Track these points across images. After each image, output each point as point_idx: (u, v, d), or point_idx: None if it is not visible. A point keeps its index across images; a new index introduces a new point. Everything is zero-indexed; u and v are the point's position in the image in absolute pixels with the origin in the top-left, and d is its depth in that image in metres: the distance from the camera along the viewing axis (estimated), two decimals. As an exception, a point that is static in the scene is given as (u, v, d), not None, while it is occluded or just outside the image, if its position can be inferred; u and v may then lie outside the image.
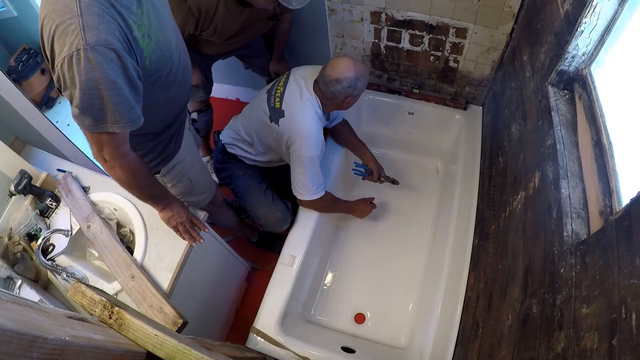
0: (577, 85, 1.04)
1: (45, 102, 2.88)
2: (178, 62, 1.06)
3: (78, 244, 1.34)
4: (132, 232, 1.36)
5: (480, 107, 1.98)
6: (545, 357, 0.75)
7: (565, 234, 0.81)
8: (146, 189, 1.13)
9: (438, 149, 2.15)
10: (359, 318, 1.83)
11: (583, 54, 1.00)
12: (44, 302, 1.18)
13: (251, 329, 1.50)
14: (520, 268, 1.01)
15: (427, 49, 1.78)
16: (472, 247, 1.53)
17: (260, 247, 2.13)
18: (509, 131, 1.40)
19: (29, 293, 1.21)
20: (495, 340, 1.03)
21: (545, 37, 1.17)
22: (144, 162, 1.09)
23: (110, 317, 0.70)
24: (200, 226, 1.31)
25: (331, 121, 1.81)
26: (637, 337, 0.52)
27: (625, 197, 0.75)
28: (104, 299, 0.73)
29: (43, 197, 1.35)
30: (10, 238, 1.32)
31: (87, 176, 1.43)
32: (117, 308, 0.71)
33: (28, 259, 1.31)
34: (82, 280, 1.21)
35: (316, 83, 1.49)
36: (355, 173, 1.97)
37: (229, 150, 1.73)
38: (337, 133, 1.94)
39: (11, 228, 1.33)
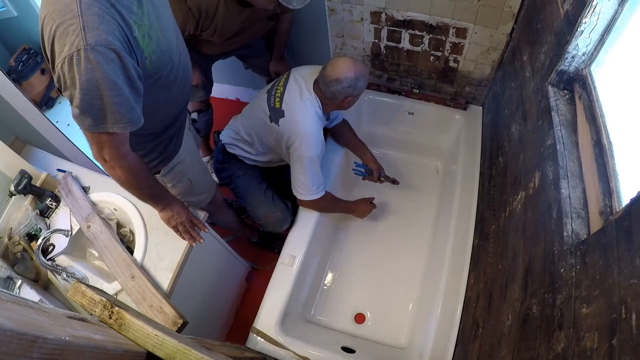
0: (577, 85, 1.04)
1: (45, 102, 2.88)
2: (178, 63, 1.06)
3: (78, 244, 1.34)
4: (132, 232, 1.36)
5: (480, 107, 1.98)
6: (545, 357, 0.75)
7: (565, 234, 0.81)
8: (146, 189, 1.14)
9: (438, 149, 2.15)
10: (359, 318, 1.83)
11: (583, 54, 1.00)
12: (44, 302, 1.18)
13: (251, 329, 1.50)
14: (520, 268, 1.01)
15: (427, 49, 1.78)
16: (472, 247, 1.53)
17: (260, 247, 2.13)
18: (509, 131, 1.40)
19: (29, 293, 1.21)
20: (495, 340, 1.03)
21: (545, 37, 1.17)
22: (144, 162, 1.09)
23: (110, 317, 0.70)
24: (200, 226, 1.31)
25: (331, 121, 1.81)
26: (637, 337, 0.52)
27: (625, 197, 0.75)
28: (104, 299, 0.73)
29: (43, 197, 1.35)
30: (10, 238, 1.32)
31: (87, 176, 1.43)
32: (117, 308, 0.71)
33: (28, 259, 1.31)
34: (82, 280, 1.21)
35: (316, 83, 1.49)
36: (355, 173, 1.97)
37: (229, 150, 1.73)
38: (337, 133, 1.94)
39: (11, 228, 1.33)
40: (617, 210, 0.75)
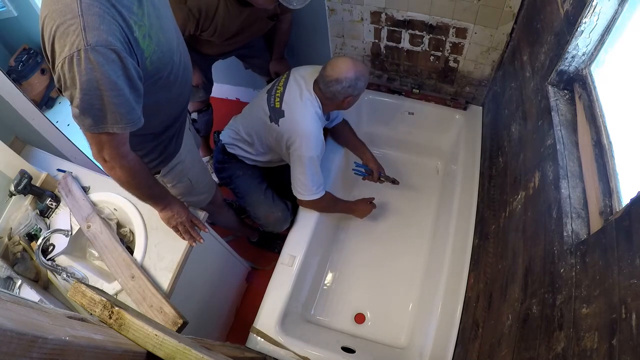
0: (577, 85, 1.04)
1: (45, 102, 2.88)
2: (179, 63, 1.06)
3: (78, 244, 1.34)
4: (132, 232, 1.36)
5: (480, 107, 1.98)
6: (545, 357, 0.75)
7: (565, 234, 0.81)
8: (146, 189, 1.14)
9: (438, 149, 2.15)
10: (359, 318, 1.83)
11: (583, 54, 1.00)
12: (44, 302, 1.18)
13: (251, 329, 1.50)
14: (520, 268, 1.01)
15: (427, 49, 1.78)
16: (472, 247, 1.53)
17: (260, 247, 2.13)
18: (509, 131, 1.40)
19: (29, 293, 1.21)
20: (495, 340, 1.03)
21: (545, 37, 1.17)
22: (144, 162, 1.09)
23: (110, 317, 0.70)
24: (200, 226, 1.31)
25: (331, 121, 1.81)
26: (637, 337, 0.52)
27: (625, 197, 0.75)
28: (104, 299, 0.73)
29: (43, 197, 1.35)
30: (10, 238, 1.32)
31: (87, 176, 1.43)
32: (117, 308, 0.71)
33: (28, 259, 1.31)
34: (82, 280, 1.21)
35: (316, 83, 1.49)
36: (355, 173, 1.97)
37: (229, 150, 1.73)
38: (337, 133, 1.94)
39: (11, 228, 1.33)
40: (617, 210, 0.75)
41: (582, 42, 0.97)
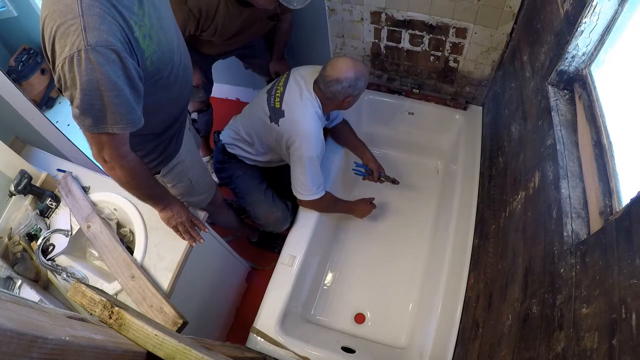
0: (577, 85, 1.04)
1: (45, 102, 2.88)
2: (179, 63, 1.06)
3: (78, 244, 1.34)
4: (132, 232, 1.36)
5: (480, 107, 1.98)
6: (545, 357, 0.75)
7: (565, 234, 0.81)
8: (146, 189, 1.14)
9: (438, 149, 2.15)
10: (359, 318, 1.83)
11: (583, 54, 1.00)
12: (44, 302, 1.18)
13: (251, 329, 1.50)
14: (520, 268, 1.01)
15: (427, 49, 1.78)
16: (472, 247, 1.53)
17: (260, 247, 2.13)
18: (509, 131, 1.40)
19: (29, 293, 1.21)
20: (495, 340, 1.03)
21: (545, 37, 1.17)
22: (144, 162, 1.09)
23: (110, 317, 0.70)
24: (200, 226, 1.31)
25: (331, 121, 1.81)
26: (637, 337, 0.52)
27: (625, 197, 0.75)
28: (104, 299, 0.73)
29: (43, 197, 1.35)
30: (10, 238, 1.32)
31: (87, 176, 1.43)
32: (117, 308, 0.71)
33: (28, 259, 1.31)
34: (82, 280, 1.21)
35: (316, 83, 1.49)
36: (355, 173, 1.97)
37: (229, 150, 1.73)
38: (337, 133, 1.94)
39: (11, 228, 1.33)
40: (617, 210, 0.75)
41: (582, 42, 0.97)
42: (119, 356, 0.61)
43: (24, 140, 1.56)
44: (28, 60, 2.73)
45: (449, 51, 1.75)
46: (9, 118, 1.49)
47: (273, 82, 1.63)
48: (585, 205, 0.83)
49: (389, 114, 2.11)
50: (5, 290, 1.19)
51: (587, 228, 0.80)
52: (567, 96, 1.05)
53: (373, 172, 1.90)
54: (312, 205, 1.68)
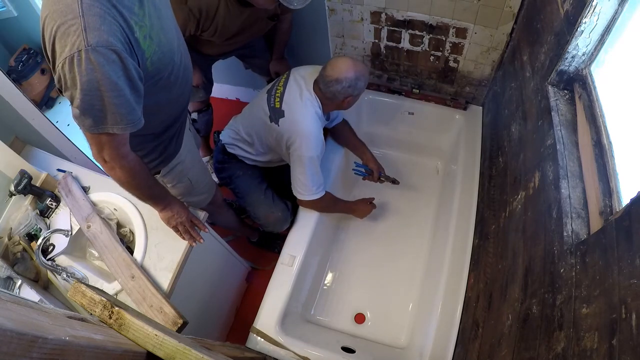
0: (577, 85, 1.04)
1: (45, 102, 2.88)
2: (179, 63, 1.06)
3: (78, 244, 1.34)
4: (132, 232, 1.36)
5: (480, 107, 1.98)
6: (545, 357, 0.75)
7: (565, 234, 0.81)
8: (146, 189, 1.14)
9: (438, 149, 2.15)
10: (359, 318, 1.83)
11: (583, 54, 1.00)
12: (44, 302, 1.18)
13: (251, 329, 1.50)
14: (520, 268, 1.01)
15: (427, 49, 1.78)
16: (472, 247, 1.53)
17: (260, 247, 2.13)
18: (509, 131, 1.40)
19: (29, 293, 1.21)
20: (495, 340, 1.03)
21: (545, 37, 1.17)
22: (144, 162, 1.09)
23: (110, 317, 0.70)
24: (200, 226, 1.31)
25: (331, 121, 1.81)
26: (637, 337, 0.52)
27: (625, 197, 0.75)
28: (104, 299, 0.73)
29: (43, 197, 1.35)
30: (10, 238, 1.32)
31: (87, 176, 1.43)
32: (117, 308, 0.71)
33: (28, 259, 1.31)
34: (82, 280, 1.21)
35: (316, 83, 1.49)
36: (355, 173, 1.97)
37: (229, 150, 1.73)
38: (337, 133, 1.94)
39: (11, 228, 1.33)
40: (617, 210, 0.75)
41: (582, 42, 0.97)
42: (119, 356, 0.61)
43: (24, 140, 1.56)
44: (28, 60, 2.73)
45: (449, 51, 1.75)
46: (9, 118, 1.49)
47: (273, 82, 1.63)
48: (585, 205, 0.83)
49: (389, 114, 2.11)
50: (5, 290, 1.19)
51: (587, 228, 0.80)
52: (567, 96, 1.05)
53: (373, 172, 1.90)
54: (312, 205, 1.68)
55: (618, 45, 0.92)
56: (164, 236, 1.29)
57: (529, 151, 1.16)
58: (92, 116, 0.85)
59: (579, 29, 0.94)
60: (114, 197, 1.35)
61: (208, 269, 1.59)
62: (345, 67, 1.42)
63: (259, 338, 1.48)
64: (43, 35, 0.83)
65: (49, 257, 1.28)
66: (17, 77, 2.68)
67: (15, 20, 2.76)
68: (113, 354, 0.60)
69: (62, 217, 1.34)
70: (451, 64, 1.80)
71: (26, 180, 1.30)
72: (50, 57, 0.84)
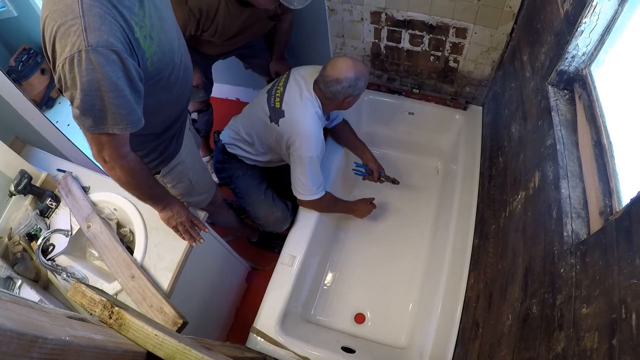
0: (577, 85, 1.04)
1: (45, 102, 2.88)
2: (180, 63, 1.06)
3: (78, 244, 1.34)
4: (132, 232, 1.36)
5: (480, 107, 1.98)
6: (545, 357, 0.75)
7: (565, 234, 0.81)
8: (146, 189, 1.14)
9: (438, 149, 2.15)
10: (359, 318, 1.83)
11: (583, 54, 1.00)
12: (44, 302, 1.18)
13: (251, 329, 1.50)
14: (520, 268, 1.01)
15: (427, 49, 1.78)
16: (472, 247, 1.53)
17: (260, 247, 2.13)
18: (509, 131, 1.40)
19: (29, 293, 1.21)
20: (495, 340, 1.03)
21: (545, 37, 1.17)
22: (144, 162, 1.09)
23: (110, 317, 0.70)
24: (200, 226, 1.32)
25: (331, 121, 1.81)
26: (637, 337, 0.52)
27: (625, 197, 0.75)
28: (104, 299, 0.73)
29: (43, 197, 1.35)
30: (10, 238, 1.32)
31: (87, 176, 1.43)
32: (117, 308, 0.71)
33: (28, 259, 1.31)
34: (82, 280, 1.21)
35: (316, 83, 1.49)
36: (355, 173, 1.97)
37: (229, 150, 1.73)
38: (337, 133, 1.94)
39: (11, 228, 1.33)
40: (617, 210, 0.75)
41: (582, 42, 0.97)
42: (119, 356, 0.61)
43: (24, 140, 1.56)
44: (28, 60, 2.73)
45: (449, 51, 1.75)
46: (9, 118, 1.49)
47: (273, 82, 1.63)
48: (585, 205, 0.83)
49: (389, 114, 2.11)
50: (5, 290, 1.19)
51: (587, 228, 0.80)
52: (567, 96, 1.05)
53: (373, 172, 1.90)
54: (312, 205, 1.68)
55: (618, 45, 0.92)
56: (164, 236, 1.29)
57: (529, 151, 1.16)
58: (92, 116, 0.85)
59: (579, 29, 0.94)
60: (114, 197, 1.35)
61: (208, 269, 1.59)
62: (345, 67, 1.42)
63: (259, 338, 1.48)
64: (43, 35, 0.83)
65: (49, 257, 1.28)
66: (17, 77, 2.68)
67: (15, 20, 2.76)
68: (113, 354, 0.60)
69: (62, 217, 1.34)
70: (451, 64, 1.80)
71: (26, 180, 1.30)
72: (50, 57, 0.84)
